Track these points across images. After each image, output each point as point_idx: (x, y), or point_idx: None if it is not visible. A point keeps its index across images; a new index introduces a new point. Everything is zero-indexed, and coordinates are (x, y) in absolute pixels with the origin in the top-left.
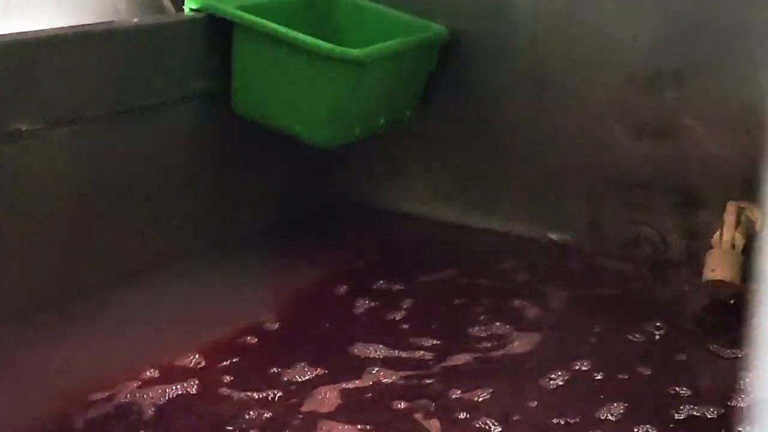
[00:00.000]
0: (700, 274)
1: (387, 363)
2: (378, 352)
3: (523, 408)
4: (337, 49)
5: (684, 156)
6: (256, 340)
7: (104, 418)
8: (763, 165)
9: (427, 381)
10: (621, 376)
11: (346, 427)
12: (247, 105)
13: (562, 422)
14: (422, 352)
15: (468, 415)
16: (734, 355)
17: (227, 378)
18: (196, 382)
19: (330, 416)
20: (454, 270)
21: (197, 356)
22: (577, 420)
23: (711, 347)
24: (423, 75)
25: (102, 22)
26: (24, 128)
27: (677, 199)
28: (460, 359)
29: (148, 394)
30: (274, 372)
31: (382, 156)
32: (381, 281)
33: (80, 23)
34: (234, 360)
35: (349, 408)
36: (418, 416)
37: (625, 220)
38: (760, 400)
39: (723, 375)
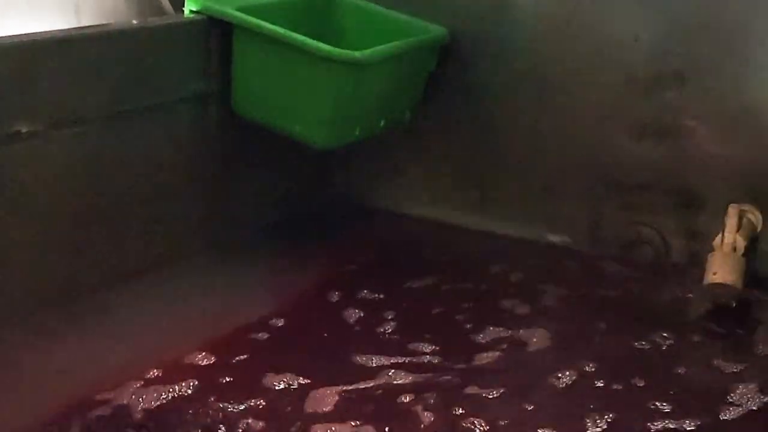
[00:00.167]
0: (702, 276)
1: (387, 364)
2: (375, 360)
3: (514, 414)
4: (337, 50)
5: (685, 157)
6: (257, 339)
7: (104, 418)
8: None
9: (423, 381)
10: (615, 387)
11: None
12: (247, 106)
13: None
14: (414, 357)
15: (458, 413)
16: (734, 370)
17: (227, 378)
18: (196, 382)
19: (328, 417)
20: (454, 271)
21: (197, 356)
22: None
23: (711, 360)
24: (423, 76)
25: (102, 24)
26: (24, 129)
27: (678, 200)
28: (450, 364)
29: (148, 395)
30: (273, 372)
31: (382, 156)
32: (381, 282)
33: (80, 25)
34: (234, 359)
35: (349, 408)
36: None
37: (625, 221)
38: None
39: (716, 386)
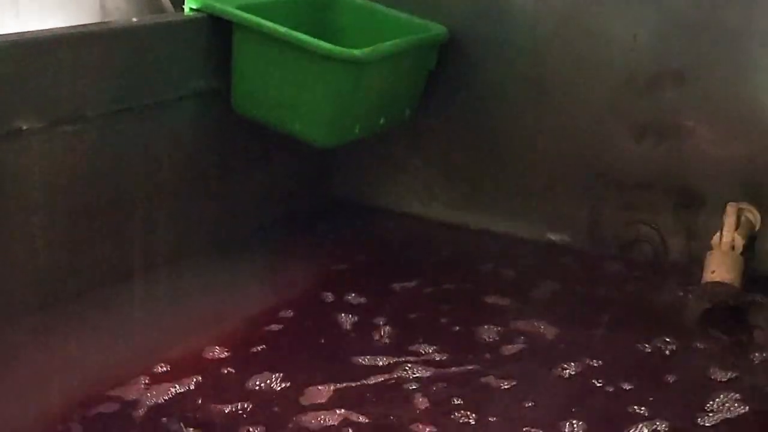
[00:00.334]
0: (700, 275)
1: (384, 363)
2: (373, 359)
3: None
4: (337, 48)
5: (684, 156)
6: (257, 339)
7: (104, 418)
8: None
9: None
10: (608, 389)
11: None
12: (247, 104)
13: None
14: (411, 357)
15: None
16: (727, 377)
17: (227, 378)
18: (199, 378)
19: (325, 407)
20: (452, 270)
21: (197, 356)
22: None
23: (703, 365)
24: (423, 74)
25: (102, 22)
26: (25, 127)
27: (677, 199)
28: (447, 361)
29: (147, 394)
30: (273, 372)
31: (382, 155)
32: (380, 282)
33: (80, 23)
34: (234, 360)
35: (347, 403)
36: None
37: (624, 220)
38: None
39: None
